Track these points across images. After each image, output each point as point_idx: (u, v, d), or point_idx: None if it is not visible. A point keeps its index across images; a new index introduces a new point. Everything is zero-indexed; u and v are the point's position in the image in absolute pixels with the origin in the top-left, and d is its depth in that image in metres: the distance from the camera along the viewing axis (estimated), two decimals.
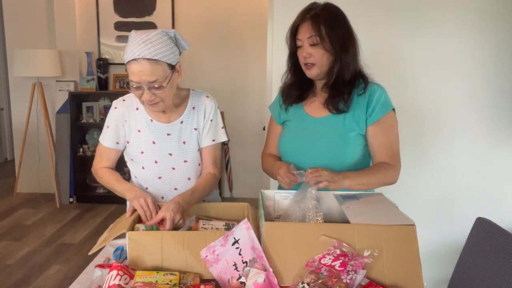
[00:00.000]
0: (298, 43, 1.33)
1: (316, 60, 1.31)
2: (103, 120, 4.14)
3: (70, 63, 4.19)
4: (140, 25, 4.17)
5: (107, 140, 1.47)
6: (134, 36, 1.27)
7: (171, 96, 1.35)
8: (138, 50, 1.23)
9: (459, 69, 2.12)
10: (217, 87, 4.16)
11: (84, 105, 4.20)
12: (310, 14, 1.30)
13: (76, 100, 4.15)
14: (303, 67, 1.36)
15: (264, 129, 2.61)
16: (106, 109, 4.20)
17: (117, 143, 1.47)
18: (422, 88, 2.15)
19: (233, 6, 4.12)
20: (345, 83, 1.33)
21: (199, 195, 1.38)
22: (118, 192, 1.41)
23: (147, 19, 4.18)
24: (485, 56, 2.10)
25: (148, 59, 1.23)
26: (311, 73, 1.34)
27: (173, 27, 4.15)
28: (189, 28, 4.12)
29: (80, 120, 4.19)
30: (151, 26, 4.15)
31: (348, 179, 1.24)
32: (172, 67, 1.30)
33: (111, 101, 4.17)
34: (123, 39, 4.24)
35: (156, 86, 1.26)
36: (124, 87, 4.21)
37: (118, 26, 4.23)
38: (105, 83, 4.20)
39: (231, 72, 4.25)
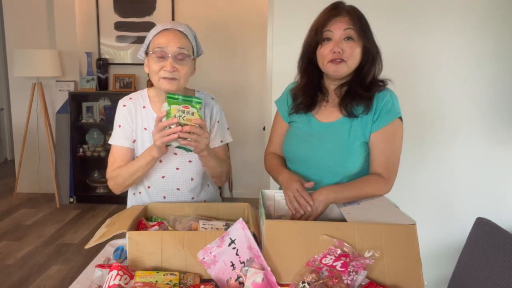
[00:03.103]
0: (327, 34, 1.23)
1: (348, 56, 1.21)
2: (103, 120, 4.17)
3: (70, 63, 4.19)
4: (140, 25, 4.17)
5: (122, 139, 1.42)
6: (160, 23, 1.36)
7: (187, 78, 1.36)
8: (170, 24, 1.33)
9: (460, 68, 2.12)
10: (217, 87, 4.16)
11: (84, 105, 4.20)
12: (346, 8, 1.24)
13: (76, 100, 4.15)
14: (326, 64, 1.25)
15: (264, 129, 2.61)
16: (106, 109, 4.20)
17: (133, 141, 1.44)
18: (423, 88, 2.15)
19: (233, 6, 4.12)
20: (375, 84, 1.27)
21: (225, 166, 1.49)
22: (143, 165, 1.32)
23: (147, 19, 4.18)
24: (486, 56, 2.10)
25: (179, 31, 1.33)
26: (339, 70, 1.23)
27: None
28: None
29: (80, 120, 4.19)
30: (151, 26, 4.13)
31: (333, 193, 1.22)
32: (193, 54, 1.37)
33: (111, 101, 4.23)
34: (123, 39, 4.24)
35: (181, 57, 1.31)
36: (124, 87, 4.22)
37: (118, 26, 4.22)
38: (105, 83, 4.20)
39: (231, 72, 4.25)
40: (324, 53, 1.25)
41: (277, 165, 1.41)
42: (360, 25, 1.22)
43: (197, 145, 1.20)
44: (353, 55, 1.23)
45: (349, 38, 1.22)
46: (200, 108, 1.19)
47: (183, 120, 1.17)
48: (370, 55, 1.26)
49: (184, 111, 1.17)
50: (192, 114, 1.18)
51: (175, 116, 1.16)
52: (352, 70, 1.27)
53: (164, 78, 1.31)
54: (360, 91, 1.27)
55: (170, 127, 1.17)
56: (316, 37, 1.27)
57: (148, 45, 1.35)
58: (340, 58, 1.22)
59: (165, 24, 1.34)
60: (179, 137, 1.17)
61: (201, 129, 1.18)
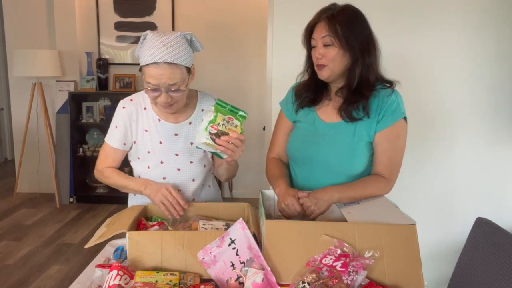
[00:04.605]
0: (313, 43, 1.29)
1: (328, 61, 1.25)
2: (103, 120, 4.17)
3: (70, 63, 4.19)
4: (140, 25, 4.17)
5: (115, 140, 1.44)
6: (153, 38, 1.26)
7: (185, 97, 1.36)
8: (159, 54, 1.23)
9: (460, 68, 2.12)
10: (217, 87, 4.16)
11: (84, 105, 4.20)
12: (326, 14, 1.25)
13: (76, 100, 4.15)
14: (315, 68, 1.31)
15: (264, 129, 2.61)
16: (106, 109, 4.20)
17: (124, 144, 1.45)
18: (423, 88, 2.15)
19: (233, 6, 4.12)
20: (366, 87, 1.27)
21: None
22: (130, 190, 1.40)
23: (147, 19, 4.18)
24: (486, 56, 2.10)
25: (169, 63, 1.24)
26: (322, 74, 1.29)
27: (173, 27, 4.16)
28: (189, 28, 4.12)
29: (80, 120, 4.20)
30: (151, 26, 4.15)
31: (338, 193, 1.22)
32: (188, 70, 1.32)
33: (111, 101, 4.24)
34: (123, 39, 4.24)
35: (174, 89, 1.28)
36: (124, 87, 4.22)
37: (118, 26, 4.23)
38: (105, 83, 4.20)
39: (231, 72, 4.25)
40: (313, 59, 1.31)
41: (276, 175, 1.38)
42: (338, 30, 1.23)
43: (232, 155, 1.21)
44: (333, 60, 1.25)
45: (327, 45, 1.25)
46: (243, 122, 1.22)
47: (225, 129, 1.20)
48: (354, 59, 1.26)
49: (228, 121, 1.20)
50: (235, 126, 1.21)
51: (219, 123, 1.19)
52: (339, 73, 1.28)
53: (161, 105, 1.33)
54: (350, 96, 1.29)
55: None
56: (309, 43, 1.32)
57: (140, 68, 1.31)
58: (321, 63, 1.27)
59: (154, 50, 1.24)
60: (216, 142, 1.18)
61: (240, 142, 1.20)
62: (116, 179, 1.43)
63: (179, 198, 1.29)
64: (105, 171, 1.45)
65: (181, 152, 1.45)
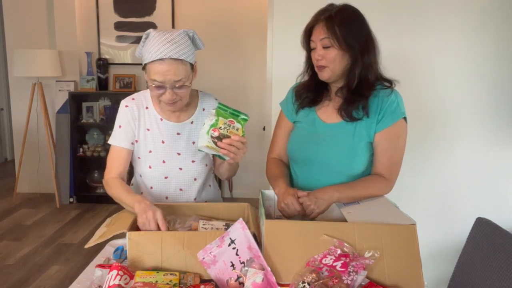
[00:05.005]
0: (312, 44, 1.29)
1: (328, 62, 1.26)
2: (103, 120, 4.17)
3: (70, 63, 4.19)
4: (140, 25, 4.17)
5: (122, 140, 1.42)
6: (156, 36, 1.27)
7: (188, 95, 1.36)
8: (164, 50, 1.24)
9: (460, 68, 2.12)
10: (217, 87, 4.16)
11: (84, 105, 4.19)
12: (324, 16, 1.25)
13: (76, 100, 4.15)
14: (316, 69, 1.31)
15: (264, 129, 2.61)
16: (106, 109, 4.20)
17: (132, 143, 1.43)
18: (423, 88, 2.15)
19: (233, 6, 4.12)
20: (366, 87, 1.27)
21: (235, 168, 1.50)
22: (126, 204, 1.31)
23: (147, 19, 4.18)
24: (486, 56, 2.10)
25: (174, 59, 1.25)
26: (322, 75, 1.29)
27: (173, 27, 4.16)
28: (189, 28, 4.10)
29: (80, 120, 4.20)
30: (151, 26, 4.15)
31: (337, 193, 1.22)
32: (192, 67, 1.32)
33: (111, 101, 4.23)
34: (123, 39, 4.24)
35: (179, 85, 1.28)
36: (124, 87, 4.21)
37: (118, 26, 4.23)
38: (105, 83, 4.19)
39: (231, 72, 4.25)
40: (313, 60, 1.31)
41: (276, 175, 1.38)
42: (337, 31, 1.22)
43: (234, 158, 1.22)
44: (333, 60, 1.26)
45: (326, 46, 1.25)
46: (244, 125, 1.24)
47: (227, 132, 1.21)
48: (353, 59, 1.26)
49: (230, 125, 1.22)
50: (237, 129, 1.22)
51: (220, 127, 1.20)
52: (339, 74, 1.29)
53: (166, 103, 1.33)
54: (350, 96, 1.29)
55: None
56: (308, 44, 1.32)
57: (144, 66, 1.30)
58: (321, 65, 1.27)
59: (159, 47, 1.24)
60: (218, 145, 1.19)
61: (242, 144, 1.21)
62: (117, 191, 1.35)
63: (162, 227, 1.15)
64: (110, 181, 1.39)
65: (183, 151, 1.45)
